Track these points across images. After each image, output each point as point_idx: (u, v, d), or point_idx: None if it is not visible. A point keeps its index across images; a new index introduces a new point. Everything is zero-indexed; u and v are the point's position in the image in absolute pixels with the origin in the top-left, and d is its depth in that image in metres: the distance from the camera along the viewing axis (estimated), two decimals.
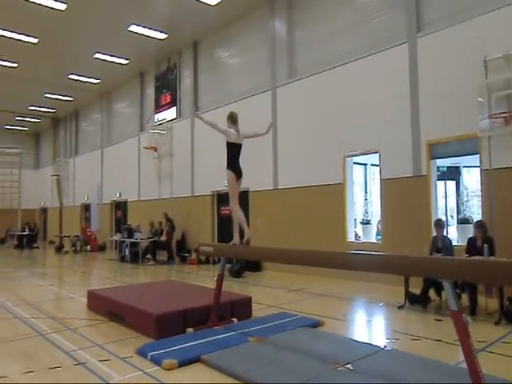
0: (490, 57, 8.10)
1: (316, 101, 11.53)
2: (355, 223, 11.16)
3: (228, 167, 6.15)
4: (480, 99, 8.19)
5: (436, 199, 9.42)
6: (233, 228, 6.33)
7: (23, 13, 13.31)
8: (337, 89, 11.03)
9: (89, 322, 6.70)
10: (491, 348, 5.05)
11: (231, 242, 6.24)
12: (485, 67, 8.17)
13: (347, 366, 4.35)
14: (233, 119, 6.24)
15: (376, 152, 10.16)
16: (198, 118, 6.63)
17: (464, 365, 3.47)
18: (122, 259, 15.75)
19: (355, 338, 5.68)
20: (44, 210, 30.03)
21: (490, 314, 6.54)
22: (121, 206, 20.89)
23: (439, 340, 5.41)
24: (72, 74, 19.13)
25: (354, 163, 11.22)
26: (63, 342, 5.54)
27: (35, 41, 15.41)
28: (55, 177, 26.45)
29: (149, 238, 15.52)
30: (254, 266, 12.14)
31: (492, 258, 6.34)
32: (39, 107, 24.59)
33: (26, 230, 24.27)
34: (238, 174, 6.16)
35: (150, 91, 19.11)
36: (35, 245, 23.65)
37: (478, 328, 5.89)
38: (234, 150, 6.16)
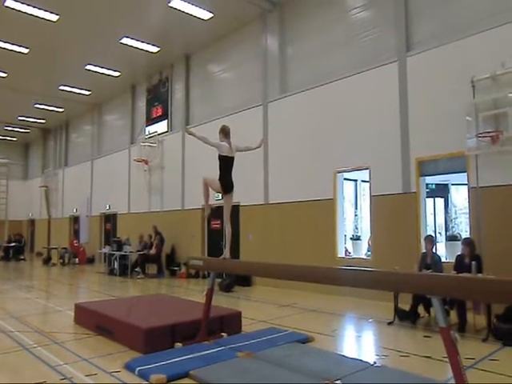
0: (477, 77, 8.23)
1: (307, 117, 11.62)
2: (345, 239, 11.19)
3: (218, 179, 6.15)
4: (468, 118, 8.32)
5: (425, 216, 9.49)
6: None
7: (14, 23, 13.30)
8: (328, 105, 11.13)
9: (76, 335, 6.63)
10: (479, 365, 5.07)
11: (221, 257, 6.27)
12: (472, 87, 8.31)
13: (337, 381, 4.34)
14: (225, 132, 6.23)
15: (366, 168, 10.24)
16: (188, 133, 6.56)
17: (453, 381, 3.48)
18: (111, 272, 15.60)
19: (345, 354, 5.67)
20: (32, 222, 29.72)
21: (478, 331, 6.57)
22: (110, 219, 20.75)
23: (428, 356, 5.42)
24: (63, 85, 19.10)
25: (345, 179, 11.27)
26: (49, 356, 5.47)
27: (26, 51, 15.37)
28: (44, 188, 26.24)
29: (138, 251, 15.43)
30: (244, 280, 12.10)
31: (480, 275, 6.39)
32: (29, 117, 24.48)
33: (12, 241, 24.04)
34: (226, 187, 6.17)
35: (142, 104, 19.13)
36: (22, 257, 23.35)
37: (467, 345, 5.92)
38: (226, 163, 6.16)
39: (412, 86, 9.45)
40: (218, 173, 6.14)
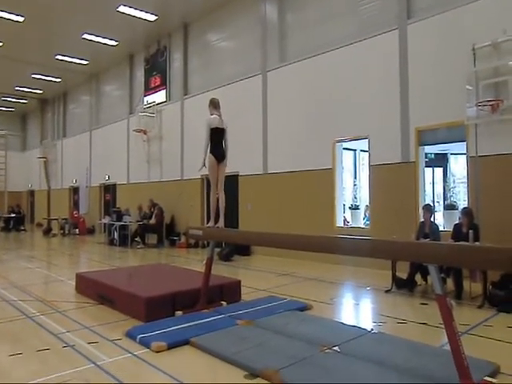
0: (478, 44, 8.11)
1: (306, 86, 11.51)
2: (344, 208, 11.24)
3: (210, 151, 6.38)
4: (468, 87, 8.23)
5: (424, 185, 9.50)
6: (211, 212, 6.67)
7: None
8: (327, 74, 11.01)
9: (77, 304, 6.72)
10: (474, 331, 5.16)
11: (215, 225, 6.46)
12: (473, 55, 8.20)
13: (334, 348, 4.42)
14: (214, 104, 6.53)
15: (365, 138, 10.20)
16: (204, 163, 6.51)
17: (448, 347, 3.54)
18: (111, 242, 15.73)
19: (343, 322, 5.75)
20: (31, 193, 29.75)
21: (473, 298, 6.67)
22: (110, 189, 20.78)
23: (424, 323, 5.52)
24: (60, 54, 18.81)
25: (344, 149, 11.25)
26: (51, 324, 5.55)
27: (21, 19, 15.06)
28: (43, 159, 26.16)
29: (138, 221, 15.51)
30: (244, 250, 12.18)
31: (477, 243, 6.44)
32: (26, 88, 24.18)
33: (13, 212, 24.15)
34: (218, 158, 6.40)
35: (140, 73, 18.89)
36: (22, 227, 23.50)
37: (462, 311, 6.04)
38: (216, 135, 6.39)
39: (412, 54, 9.32)
40: (209, 145, 6.37)
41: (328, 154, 10.86)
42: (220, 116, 6.43)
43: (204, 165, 6.47)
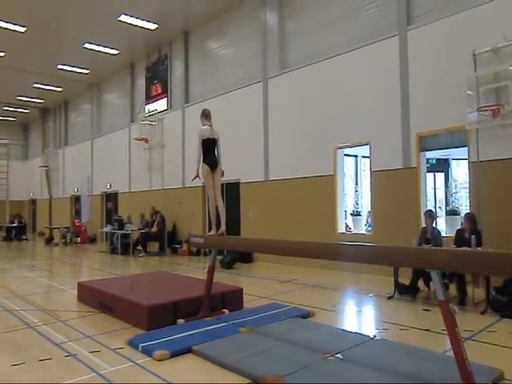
0: (478, 50, 8.14)
1: (307, 92, 11.54)
2: (346, 215, 11.22)
3: (203, 161, 6.54)
4: (469, 92, 8.24)
5: (425, 191, 9.49)
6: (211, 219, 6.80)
7: (11, 0, 13.08)
8: (328, 81, 11.04)
9: (79, 313, 6.71)
10: (477, 337, 5.14)
11: (209, 233, 6.52)
12: (474, 60, 8.22)
13: (337, 355, 4.40)
14: (206, 115, 6.75)
15: (367, 144, 10.20)
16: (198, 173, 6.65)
17: (451, 353, 3.53)
18: (113, 251, 15.72)
19: (345, 328, 5.73)
20: (33, 202, 29.78)
21: (476, 304, 6.64)
22: (111, 198, 20.79)
23: (427, 329, 5.49)
24: (61, 63, 18.88)
25: (345, 155, 11.25)
26: (53, 333, 5.54)
27: (23, 29, 15.15)
28: (44, 168, 26.21)
29: (140, 229, 15.50)
30: (245, 257, 12.18)
31: (479, 249, 6.42)
32: (28, 97, 24.29)
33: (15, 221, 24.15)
34: (211, 166, 6.54)
35: (141, 82, 18.96)
36: (24, 237, 23.50)
37: (465, 317, 6.01)
38: (208, 145, 6.58)
39: (413, 60, 9.34)
40: (202, 156, 6.56)
41: (329, 161, 10.86)
42: (211, 126, 6.61)
43: (197, 175, 6.54)
